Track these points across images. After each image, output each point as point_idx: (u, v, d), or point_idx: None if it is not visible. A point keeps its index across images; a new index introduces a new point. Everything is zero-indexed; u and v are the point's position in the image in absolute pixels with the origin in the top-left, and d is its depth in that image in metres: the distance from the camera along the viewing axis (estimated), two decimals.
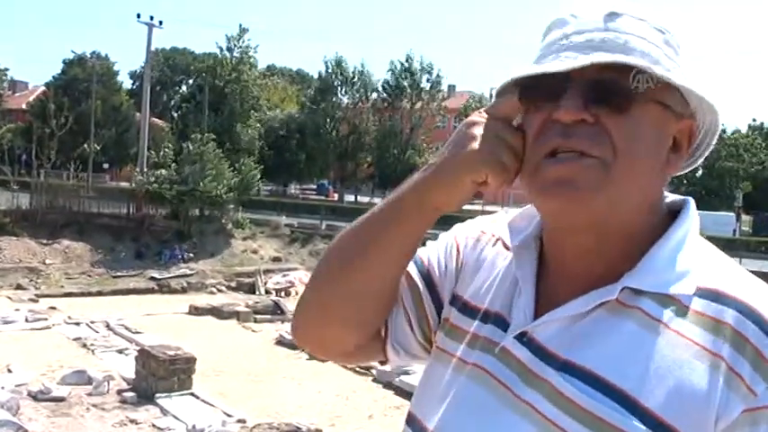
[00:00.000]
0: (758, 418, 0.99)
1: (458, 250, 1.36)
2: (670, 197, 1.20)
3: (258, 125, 53.82)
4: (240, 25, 54.65)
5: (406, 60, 61.25)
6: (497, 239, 1.33)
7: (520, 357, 1.12)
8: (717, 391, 1.00)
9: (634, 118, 1.06)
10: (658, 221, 1.14)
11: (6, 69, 70.31)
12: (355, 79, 62.30)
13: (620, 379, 1.03)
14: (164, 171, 35.65)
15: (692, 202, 1.18)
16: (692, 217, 1.15)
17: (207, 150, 35.94)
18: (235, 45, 53.42)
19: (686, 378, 1.01)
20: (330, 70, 62.36)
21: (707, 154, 1.22)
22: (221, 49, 54.33)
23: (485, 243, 1.34)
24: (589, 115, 1.06)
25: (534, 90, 1.11)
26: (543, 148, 1.09)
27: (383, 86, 62.55)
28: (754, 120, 73.27)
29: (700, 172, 65.54)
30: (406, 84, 61.17)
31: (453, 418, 1.18)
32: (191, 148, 36.13)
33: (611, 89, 1.06)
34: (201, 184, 34.49)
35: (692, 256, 1.10)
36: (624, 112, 1.06)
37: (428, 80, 62.17)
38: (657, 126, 1.09)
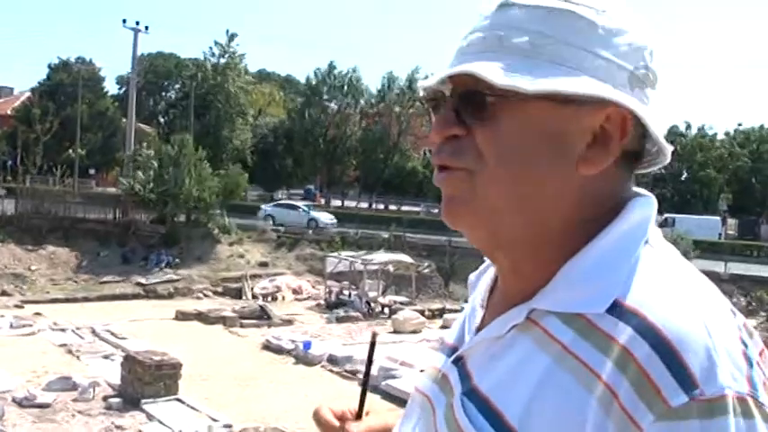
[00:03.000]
0: None
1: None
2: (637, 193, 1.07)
3: (247, 130, 53.84)
4: (227, 31, 54.61)
5: (409, 76, 61.68)
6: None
7: (451, 381, 1.09)
8: (590, 415, 0.89)
9: (502, 123, 0.99)
10: (590, 229, 1.01)
11: None
12: (345, 86, 62.44)
13: (507, 407, 0.96)
14: (141, 173, 35.46)
15: (638, 202, 1.03)
16: (629, 221, 1.01)
17: (187, 153, 35.82)
18: (223, 51, 53.40)
19: (565, 406, 0.91)
20: (319, 77, 62.51)
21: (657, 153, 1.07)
22: (205, 56, 54.37)
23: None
24: (459, 129, 1.02)
25: (431, 103, 1.09)
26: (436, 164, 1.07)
27: (377, 95, 62.77)
28: (740, 124, 73.75)
29: (684, 176, 65.99)
30: (398, 93, 61.50)
31: None
32: (170, 151, 36.03)
33: (472, 98, 1.00)
34: (182, 187, 34.38)
35: (619, 267, 0.97)
36: (489, 119, 0.99)
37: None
38: (546, 125, 0.98)
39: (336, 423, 1.35)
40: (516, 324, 1.02)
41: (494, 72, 0.96)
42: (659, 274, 0.97)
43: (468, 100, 1.01)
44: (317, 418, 1.37)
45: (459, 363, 1.10)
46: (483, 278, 1.22)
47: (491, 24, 1.02)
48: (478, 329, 1.12)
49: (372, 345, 1.40)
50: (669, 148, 1.04)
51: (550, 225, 1.01)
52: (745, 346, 0.91)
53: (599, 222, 1.01)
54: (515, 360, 0.99)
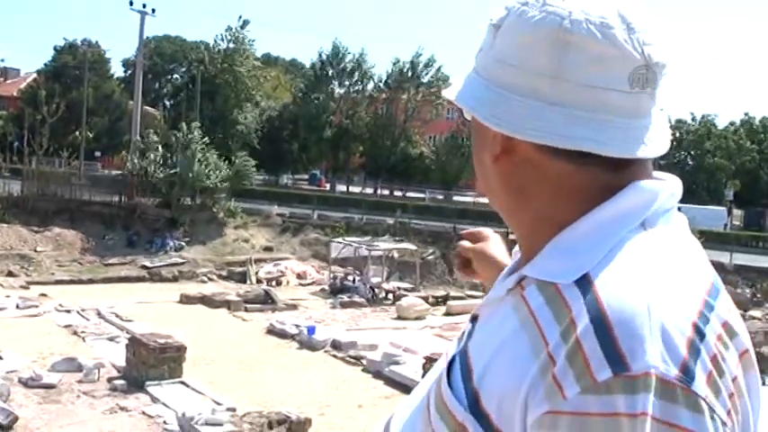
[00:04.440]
0: (558, 422, 0.91)
1: None
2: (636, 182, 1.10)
3: (254, 115, 53.75)
4: (240, 17, 54.53)
5: (413, 60, 61.59)
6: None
7: (464, 338, 1.16)
8: (528, 378, 0.94)
9: (471, 124, 1.16)
10: (562, 208, 1.06)
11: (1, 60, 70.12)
12: (352, 69, 62.23)
13: (476, 365, 1.03)
14: (152, 155, 35.49)
15: (631, 188, 1.05)
16: (619, 205, 1.04)
17: (194, 139, 35.84)
18: (234, 37, 53.29)
19: (513, 368, 0.96)
20: (324, 60, 62.27)
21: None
22: (215, 40, 54.26)
23: None
24: None
25: None
26: None
27: (385, 82, 62.62)
28: (746, 114, 73.47)
29: (690, 165, 65.78)
30: (406, 78, 61.40)
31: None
32: (179, 136, 36.06)
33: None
34: (191, 173, 34.44)
35: (599, 245, 1.01)
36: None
37: (427, 74, 62.36)
38: (476, 121, 1.13)
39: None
40: (510, 288, 1.09)
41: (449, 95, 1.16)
42: (634, 256, 1.00)
43: None
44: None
45: (474, 321, 1.17)
46: None
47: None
48: None
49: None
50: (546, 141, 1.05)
51: (509, 206, 1.14)
52: (701, 337, 0.92)
53: (574, 206, 1.05)
54: (495, 322, 1.06)
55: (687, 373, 0.89)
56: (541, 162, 1.06)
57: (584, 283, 0.97)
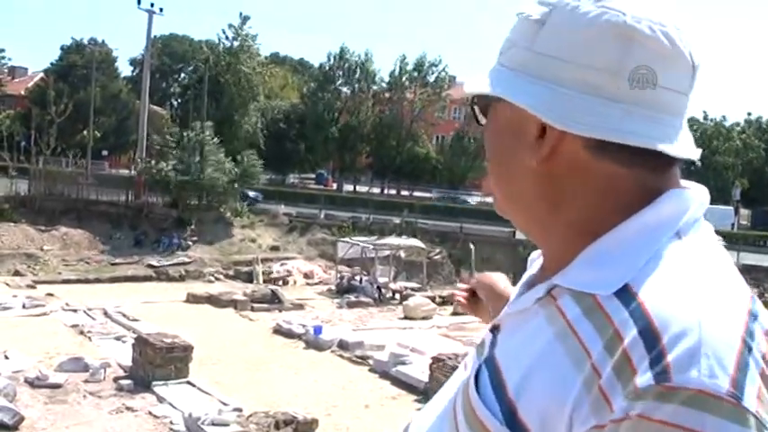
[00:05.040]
0: None
1: None
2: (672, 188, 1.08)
3: (258, 116, 53.79)
4: (241, 13, 54.55)
5: (418, 59, 61.75)
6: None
7: (485, 349, 1.14)
8: (574, 392, 0.92)
9: (487, 127, 1.13)
10: (599, 215, 1.04)
11: (2, 50, 70.22)
12: (357, 70, 62.35)
13: (510, 377, 1.01)
14: (168, 163, 35.59)
15: (670, 196, 1.04)
16: (657, 213, 1.02)
17: (205, 139, 35.93)
18: (236, 34, 53.29)
19: (553, 380, 0.95)
20: (332, 61, 62.41)
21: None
22: (219, 38, 54.30)
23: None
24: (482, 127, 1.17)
25: None
26: None
27: (389, 81, 62.75)
28: (749, 114, 73.34)
29: (696, 164, 65.74)
30: (411, 78, 61.54)
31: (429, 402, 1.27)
32: (190, 136, 36.13)
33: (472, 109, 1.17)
34: (202, 175, 34.50)
35: (637, 255, 0.99)
36: (485, 119, 1.14)
37: (433, 73, 62.46)
38: (507, 122, 1.08)
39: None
40: (539, 298, 1.06)
41: (466, 83, 1.14)
42: (675, 266, 0.98)
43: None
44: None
45: (495, 331, 1.15)
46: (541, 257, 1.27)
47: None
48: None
49: None
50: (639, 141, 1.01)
51: (540, 216, 1.09)
52: (748, 351, 0.90)
53: (612, 213, 1.03)
54: (528, 332, 1.04)
55: (737, 388, 0.87)
56: (588, 164, 1.03)
57: (626, 295, 0.95)
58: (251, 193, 42.36)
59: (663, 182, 1.04)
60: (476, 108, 1.15)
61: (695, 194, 1.07)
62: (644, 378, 0.87)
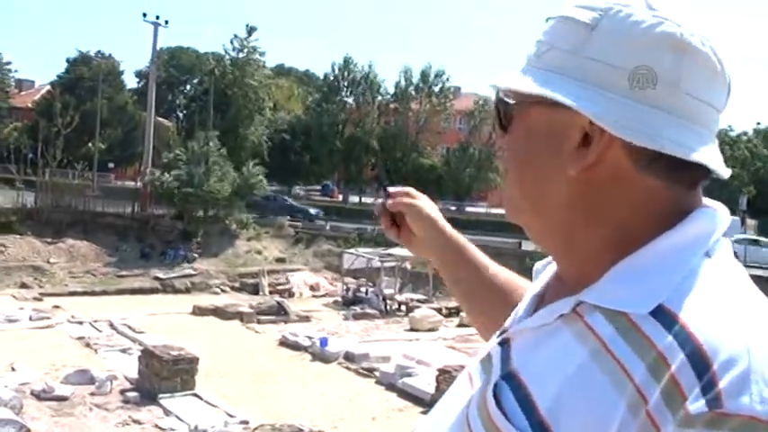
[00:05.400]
0: None
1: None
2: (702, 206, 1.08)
3: (263, 128, 53.92)
4: (247, 25, 54.66)
5: (423, 70, 61.95)
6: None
7: (493, 362, 1.11)
8: (618, 417, 0.90)
9: (513, 129, 1.09)
10: (636, 235, 1.02)
11: (9, 63, 70.56)
12: (362, 81, 62.48)
13: (541, 397, 0.98)
14: (172, 173, 35.73)
15: (701, 213, 1.04)
16: (689, 231, 1.01)
17: (210, 150, 35.99)
18: (242, 46, 53.43)
19: (593, 403, 0.93)
20: (337, 72, 62.54)
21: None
22: (225, 50, 54.45)
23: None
24: (500, 134, 1.13)
25: None
26: None
27: (394, 92, 62.91)
28: (758, 123, 73.29)
29: None
30: (415, 89, 61.70)
31: (429, 415, 1.23)
32: (195, 148, 36.22)
33: (497, 110, 1.12)
34: (206, 185, 34.56)
35: (671, 273, 0.98)
36: (508, 123, 1.10)
37: (437, 84, 62.57)
38: (543, 127, 1.05)
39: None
40: (563, 314, 1.03)
41: (497, 78, 1.08)
42: (712, 287, 0.97)
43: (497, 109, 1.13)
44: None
45: (504, 345, 1.12)
46: (549, 267, 1.24)
47: (538, 38, 1.10)
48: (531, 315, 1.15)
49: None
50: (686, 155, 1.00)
51: (566, 227, 1.06)
52: None
53: (652, 229, 1.01)
54: (555, 350, 1.01)
55: None
56: (630, 175, 1.01)
57: (664, 316, 0.94)
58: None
59: (692, 198, 1.04)
60: (500, 109, 1.11)
61: (722, 213, 1.06)
62: (696, 405, 0.86)
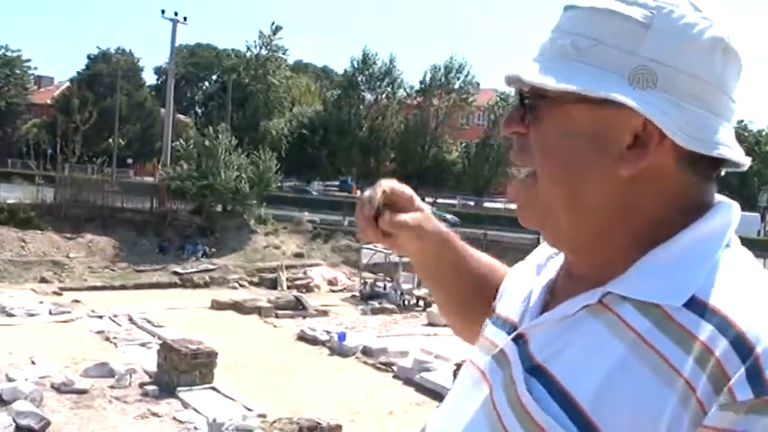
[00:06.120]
0: None
1: (509, 275, 1.39)
2: (719, 200, 1.09)
3: (283, 123, 54.04)
4: (272, 23, 54.80)
5: (446, 65, 61.86)
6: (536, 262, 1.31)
7: (510, 359, 1.09)
8: (668, 410, 0.90)
9: (548, 124, 1.03)
10: (663, 228, 1.02)
11: (28, 60, 71.02)
12: (382, 76, 62.45)
13: (578, 389, 0.97)
14: (184, 165, 35.84)
15: (722, 207, 1.05)
16: (712, 223, 1.02)
17: (220, 143, 35.99)
18: (266, 43, 53.56)
19: (640, 397, 0.93)
20: (356, 67, 62.55)
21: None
22: (248, 47, 54.57)
23: (530, 266, 1.31)
24: (520, 126, 1.07)
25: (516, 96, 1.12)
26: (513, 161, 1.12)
27: (419, 86, 62.90)
28: None
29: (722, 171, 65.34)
30: (438, 84, 61.70)
31: (440, 413, 1.22)
32: (206, 143, 36.30)
33: (525, 99, 1.05)
34: (218, 178, 34.58)
35: (699, 265, 0.99)
36: (539, 120, 1.04)
37: (459, 79, 62.52)
38: (587, 126, 1.01)
39: (374, 205, 1.39)
40: (587, 305, 1.02)
41: (528, 73, 1.02)
42: (741, 276, 0.98)
43: (524, 101, 1.06)
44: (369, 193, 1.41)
45: (519, 341, 1.10)
46: (552, 261, 1.22)
47: (555, 27, 1.07)
48: (543, 310, 1.13)
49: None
50: (733, 156, 1.02)
51: (604, 227, 1.04)
52: None
53: (675, 223, 1.02)
54: (586, 342, 1.00)
55: None
56: (671, 173, 1.01)
57: (699, 307, 0.94)
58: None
59: (712, 190, 1.06)
60: (526, 102, 1.06)
61: (736, 207, 1.07)
62: (742, 392, 0.86)
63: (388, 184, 1.41)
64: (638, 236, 1.02)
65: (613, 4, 1.00)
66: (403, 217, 1.38)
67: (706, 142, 0.98)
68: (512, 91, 1.13)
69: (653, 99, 0.97)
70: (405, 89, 64.00)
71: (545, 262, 1.24)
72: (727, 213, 1.04)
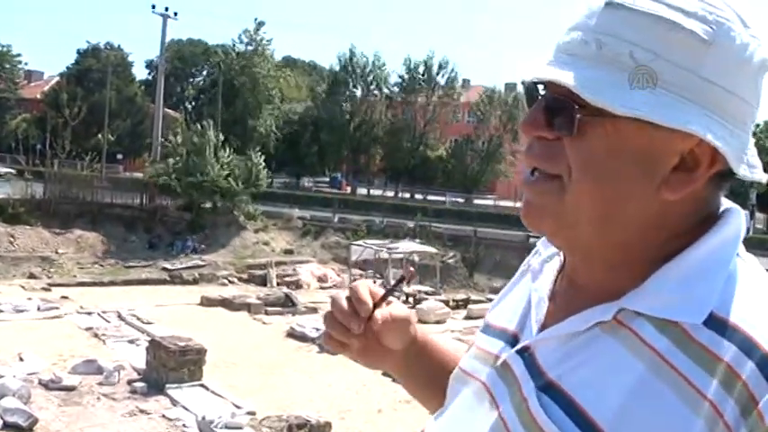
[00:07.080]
0: None
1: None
2: (725, 205, 1.06)
3: (272, 119, 53.99)
4: (256, 19, 54.84)
5: (426, 60, 61.84)
6: (529, 266, 1.26)
7: (515, 372, 1.06)
8: (695, 431, 0.88)
9: (591, 138, 0.95)
10: (679, 240, 0.99)
11: (19, 55, 70.81)
12: (368, 72, 62.51)
13: (597, 410, 0.94)
14: (170, 160, 35.77)
15: (732, 214, 1.02)
16: (725, 232, 0.99)
17: (207, 140, 35.90)
18: (251, 39, 53.57)
19: (664, 419, 0.90)
20: (343, 63, 62.59)
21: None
22: (234, 43, 54.57)
23: (523, 272, 1.26)
24: (548, 132, 0.99)
25: (527, 96, 1.05)
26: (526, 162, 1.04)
27: (400, 82, 62.95)
28: None
29: None
30: (421, 80, 61.67)
31: (440, 426, 1.19)
32: (194, 139, 36.22)
33: (560, 108, 0.96)
34: (206, 174, 34.50)
35: (715, 277, 0.96)
36: (579, 132, 0.95)
37: (443, 75, 62.55)
38: (635, 144, 0.94)
39: (369, 303, 1.30)
40: (601, 322, 0.99)
41: (585, 87, 0.92)
42: (753, 288, 0.96)
43: (558, 108, 0.97)
44: (352, 291, 1.33)
45: (524, 353, 1.07)
46: (548, 266, 1.18)
47: (595, 26, 0.96)
48: (552, 321, 1.08)
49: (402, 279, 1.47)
50: (763, 178, 1.01)
51: (630, 240, 0.99)
52: None
53: (689, 233, 0.99)
54: (603, 361, 0.97)
55: None
56: (702, 191, 0.98)
57: (719, 325, 0.92)
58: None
59: (720, 199, 1.04)
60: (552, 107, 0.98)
61: (744, 213, 1.05)
62: None
63: (364, 284, 1.34)
64: (659, 247, 0.99)
65: (675, 15, 0.92)
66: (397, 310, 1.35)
67: (753, 167, 0.97)
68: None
69: (712, 124, 0.93)
70: (387, 87, 64.04)
71: (540, 267, 1.19)
72: (737, 220, 1.02)
